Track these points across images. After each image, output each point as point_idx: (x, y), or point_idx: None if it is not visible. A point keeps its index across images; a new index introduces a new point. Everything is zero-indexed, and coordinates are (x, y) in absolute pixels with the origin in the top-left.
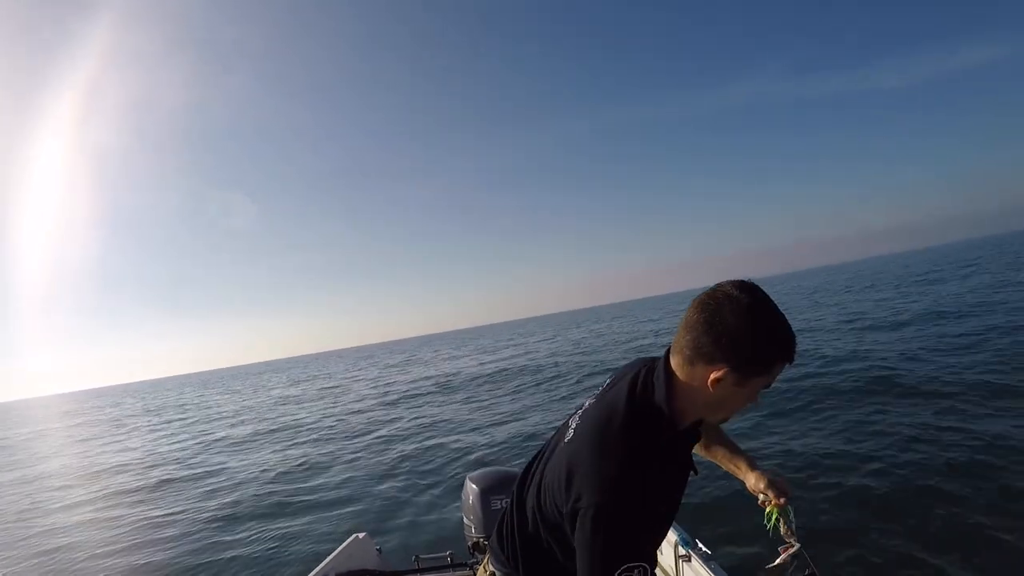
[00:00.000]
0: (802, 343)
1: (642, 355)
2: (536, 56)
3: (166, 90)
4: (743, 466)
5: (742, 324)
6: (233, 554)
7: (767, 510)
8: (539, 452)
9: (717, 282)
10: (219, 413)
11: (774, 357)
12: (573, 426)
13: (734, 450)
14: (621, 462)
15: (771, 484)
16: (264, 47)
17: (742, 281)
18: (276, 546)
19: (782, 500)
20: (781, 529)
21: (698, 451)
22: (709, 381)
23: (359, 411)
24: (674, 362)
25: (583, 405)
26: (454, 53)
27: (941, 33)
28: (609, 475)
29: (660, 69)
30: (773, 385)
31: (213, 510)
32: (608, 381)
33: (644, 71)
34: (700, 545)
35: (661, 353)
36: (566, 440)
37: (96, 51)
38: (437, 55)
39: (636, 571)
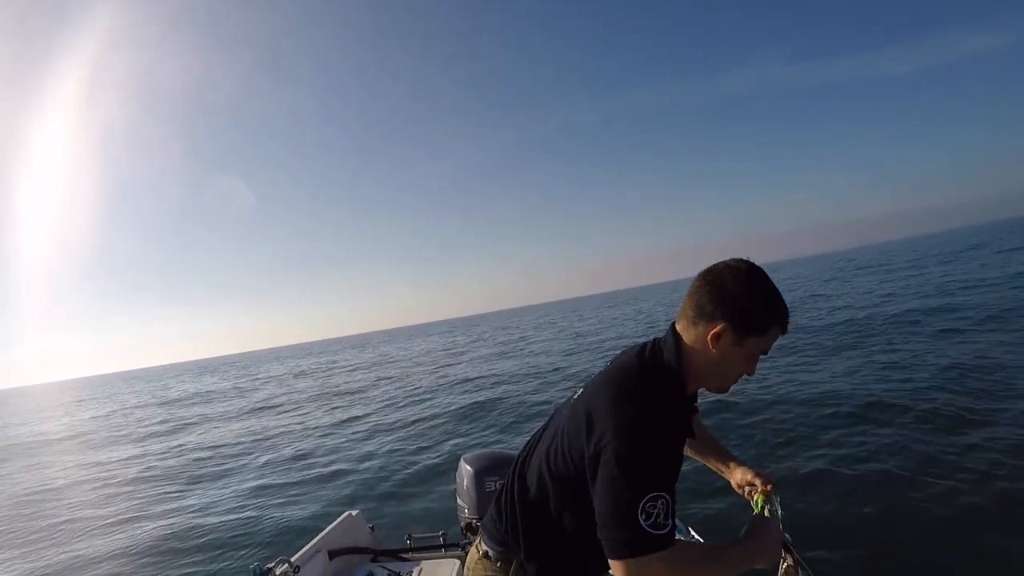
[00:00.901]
0: None
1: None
2: (539, 43)
3: (168, 75)
4: (730, 463)
5: (740, 288)
6: (224, 529)
7: (755, 498)
8: (541, 427)
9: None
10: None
11: (770, 321)
12: (580, 390)
13: (719, 449)
14: (642, 403)
15: (757, 475)
16: (267, 34)
17: (741, 258)
18: (269, 522)
19: (768, 487)
20: (765, 514)
21: (687, 452)
22: (709, 337)
23: (353, 392)
24: (679, 327)
25: (588, 380)
26: (458, 40)
27: (947, 20)
28: (632, 413)
29: (662, 56)
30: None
31: (202, 485)
32: (613, 359)
33: (646, 58)
34: (692, 532)
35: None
36: (575, 398)
37: (97, 34)
38: (441, 42)
39: (660, 502)
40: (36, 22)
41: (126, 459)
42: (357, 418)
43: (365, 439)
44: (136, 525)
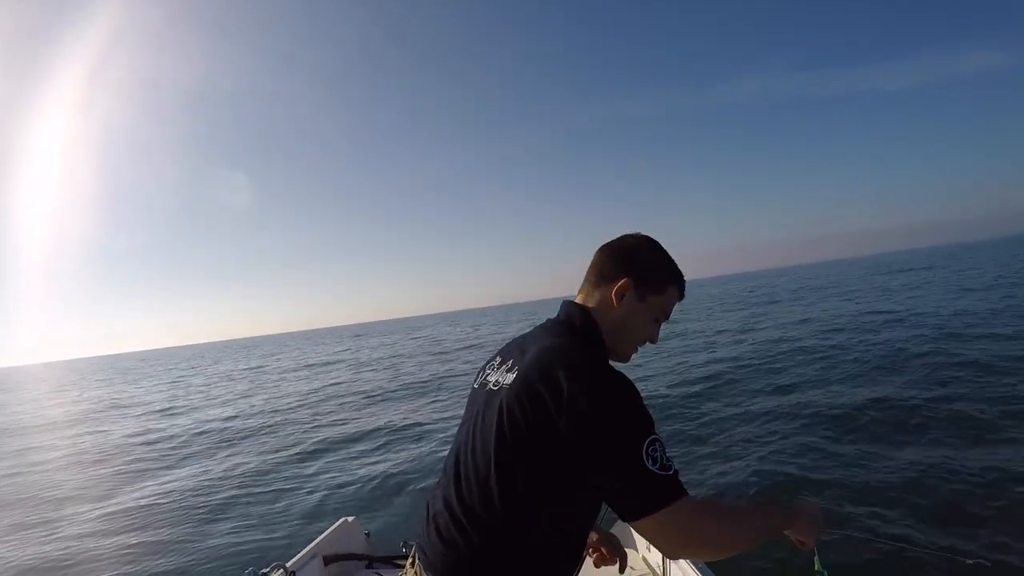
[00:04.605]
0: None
1: None
2: (544, 51)
3: (171, 68)
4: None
5: (641, 251)
6: (218, 533)
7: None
8: (462, 432)
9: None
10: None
11: (668, 279)
12: (492, 380)
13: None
14: (594, 363)
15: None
16: (273, 38)
17: (639, 232)
18: (261, 527)
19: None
20: None
21: None
22: (613, 294)
23: (345, 394)
24: (579, 299)
25: (485, 381)
26: (460, 44)
27: (946, 36)
28: (594, 374)
29: (666, 63)
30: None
31: (198, 487)
32: (506, 348)
33: (649, 65)
34: None
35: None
36: (498, 387)
37: (103, 28)
38: (445, 50)
39: (658, 444)
40: (38, 17)
41: None
42: (345, 419)
43: (358, 443)
44: None
